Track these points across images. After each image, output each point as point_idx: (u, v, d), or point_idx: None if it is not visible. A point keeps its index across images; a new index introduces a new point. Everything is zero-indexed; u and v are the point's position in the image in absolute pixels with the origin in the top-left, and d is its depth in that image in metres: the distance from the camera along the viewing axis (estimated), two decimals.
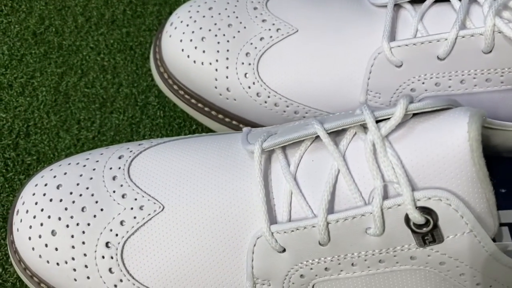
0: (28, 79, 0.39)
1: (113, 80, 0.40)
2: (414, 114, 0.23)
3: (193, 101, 0.35)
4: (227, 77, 0.33)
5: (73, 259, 0.27)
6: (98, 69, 0.40)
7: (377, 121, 0.23)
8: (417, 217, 0.21)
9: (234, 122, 0.35)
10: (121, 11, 0.43)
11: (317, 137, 0.25)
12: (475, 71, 0.28)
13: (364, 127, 0.23)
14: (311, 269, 0.24)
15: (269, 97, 0.33)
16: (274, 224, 0.24)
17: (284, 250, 0.24)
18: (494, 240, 0.24)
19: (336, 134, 0.24)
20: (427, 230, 0.21)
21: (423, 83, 0.29)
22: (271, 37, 0.33)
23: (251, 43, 0.33)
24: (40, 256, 0.27)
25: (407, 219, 0.22)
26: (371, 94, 0.31)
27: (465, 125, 0.21)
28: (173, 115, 0.39)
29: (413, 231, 0.22)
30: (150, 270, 0.27)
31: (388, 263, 0.23)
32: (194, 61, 0.33)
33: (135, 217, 0.27)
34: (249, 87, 0.33)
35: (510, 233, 0.33)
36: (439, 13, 0.30)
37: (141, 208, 0.27)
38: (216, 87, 0.33)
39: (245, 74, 0.33)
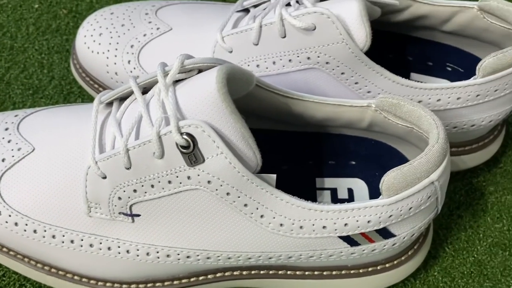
0: None
1: (48, 74, 0.49)
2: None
3: (95, 85, 0.44)
4: (115, 63, 0.41)
5: None
6: (38, 65, 0.50)
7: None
8: (181, 140, 0.28)
9: None
10: (65, 23, 0.52)
11: (144, 92, 0.33)
12: (280, 53, 0.35)
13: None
14: (124, 191, 0.31)
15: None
16: (98, 155, 0.31)
17: (105, 177, 0.32)
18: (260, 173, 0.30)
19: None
20: (190, 151, 0.28)
21: (248, 65, 0.37)
22: (151, 34, 0.41)
23: (136, 38, 0.41)
24: None
25: (177, 143, 0.29)
26: None
27: (215, 72, 0.28)
28: (89, 102, 0.47)
29: (181, 152, 0.29)
30: (18, 196, 0.34)
31: (175, 184, 0.30)
32: (92, 51, 0.42)
33: (13, 156, 0.35)
34: (131, 71, 0.41)
35: (331, 196, 0.39)
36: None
37: (18, 149, 0.35)
38: (108, 72, 0.42)
39: (129, 61, 0.41)
